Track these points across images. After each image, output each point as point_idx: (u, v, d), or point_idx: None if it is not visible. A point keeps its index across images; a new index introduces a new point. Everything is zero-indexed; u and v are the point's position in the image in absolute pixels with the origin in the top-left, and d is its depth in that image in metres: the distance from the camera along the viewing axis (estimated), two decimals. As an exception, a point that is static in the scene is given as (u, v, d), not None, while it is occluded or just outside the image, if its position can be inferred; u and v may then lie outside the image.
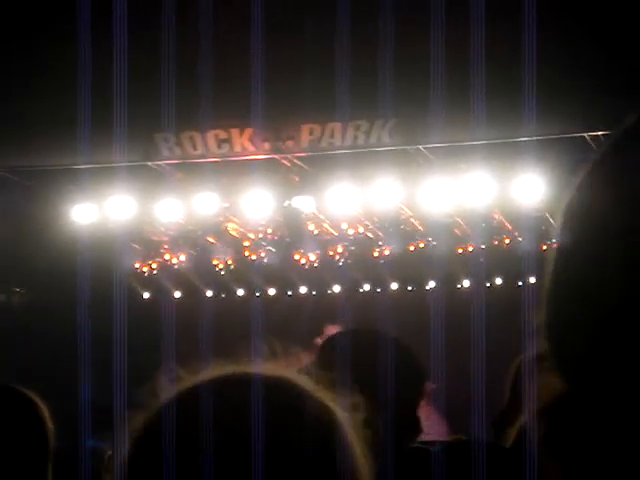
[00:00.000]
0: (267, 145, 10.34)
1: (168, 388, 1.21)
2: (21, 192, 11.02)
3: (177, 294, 13.96)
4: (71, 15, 7.32)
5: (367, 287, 14.05)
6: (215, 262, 12.87)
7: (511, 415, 2.84)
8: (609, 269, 0.82)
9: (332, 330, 6.25)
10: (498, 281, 13.02)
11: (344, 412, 1.19)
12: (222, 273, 13.10)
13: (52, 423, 2.53)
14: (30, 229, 11.39)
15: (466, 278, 13.04)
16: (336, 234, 12.22)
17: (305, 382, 1.21)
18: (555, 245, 0.91)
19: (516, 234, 11.75)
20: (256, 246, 12.48)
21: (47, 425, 2.52)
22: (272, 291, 14.31)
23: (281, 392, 1.18)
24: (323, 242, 12.44)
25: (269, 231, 12.18)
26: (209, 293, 14.16)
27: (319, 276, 13.14)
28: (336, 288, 13.92)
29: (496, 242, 11.93)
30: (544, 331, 0.89)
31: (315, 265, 12.89)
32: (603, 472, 0.79)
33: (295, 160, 10.72)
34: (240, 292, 14.25)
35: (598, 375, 0.81)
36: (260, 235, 12.27)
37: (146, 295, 13.77)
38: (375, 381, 2.53)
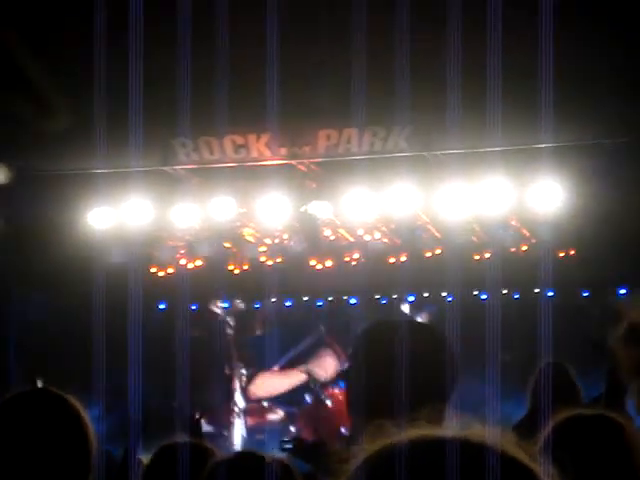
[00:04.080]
0: (284, 150, 10.34)
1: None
2: (39, 195, 11.06)
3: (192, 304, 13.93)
4: (88, 17, 7.34)
5: (384, 293, 14.00)
6: (231, 267, 12.87)
7: (533, 422, 2.82)
8: None
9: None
10: (515, 288, 12.96)
11: None
12: (238, 279, 13.09)
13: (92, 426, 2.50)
14: (48, 233, 11.42)
15: (483, 285, 13.00)
16: (352, 240, 12.20)
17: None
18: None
19: (533, 241, 11.70)
20: (272, 252, 12.47)
21: (89, 427, 2.49)
22: (288, 297, 14.28)
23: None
24: (339, 248, 12.41)
25: (285, 237, 12.17)
26: (225, 299, 14.15)
27: (335, 282, 13.11)
28: (352, 294, 13.89)
29: (513, 249, 11.88)
30: None
31: (331, 271, 12.87)
32: None
33: (312, 166, 10.72)
34: (256, 298, 14.23)
35: None
36: (276, 241, 12.26)
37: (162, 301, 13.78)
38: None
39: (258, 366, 13.13)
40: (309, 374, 12.63)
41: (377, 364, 2.39)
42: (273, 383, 12.95)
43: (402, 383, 2.35)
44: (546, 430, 2.44)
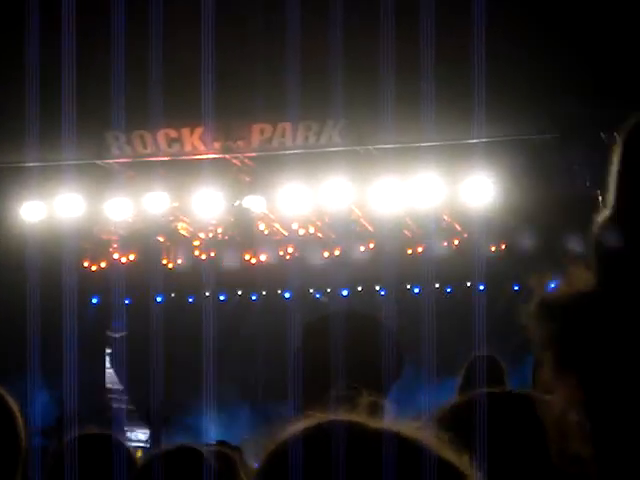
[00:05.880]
0: (218, 144, 10.32)
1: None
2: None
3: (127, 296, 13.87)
4: (21, 10, 7.26)
5: (318, 287, 14.07)
6: (165, 262, 12.81)
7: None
8: None
9: None
10: (447, 282, 13.10)
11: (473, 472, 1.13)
12: (172, 273, 13.05)
13: (23, 418, 2.49)
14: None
15: (416, 279, 13.12)
16: (287, 234, 12.23)
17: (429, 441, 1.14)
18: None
19: (465, 235, 11.84)
20: (206, 246, 12.45)
21: (18, 420, 2.48)
22: (222, 291, 14.27)
23: (408, 451, 1.11)
24: (274, 242, 12.44)
25: (219, 231, 12.15)
26: (159, 293, 14.10)
27: (269, 276, 13.13)
28: (286, 289, 13.92)
29: (445, 243, 12.01)
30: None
31: (266, 265, 12.89)
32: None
33: (246, 160, 10.72)
34: (190, 292, 14.20)
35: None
36: (210, 235, 12.24)
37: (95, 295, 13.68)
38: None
39: None
40: None
41: (322, 356, 2.41)
42: None
43: (344, 373, 2.37)
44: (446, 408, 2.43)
